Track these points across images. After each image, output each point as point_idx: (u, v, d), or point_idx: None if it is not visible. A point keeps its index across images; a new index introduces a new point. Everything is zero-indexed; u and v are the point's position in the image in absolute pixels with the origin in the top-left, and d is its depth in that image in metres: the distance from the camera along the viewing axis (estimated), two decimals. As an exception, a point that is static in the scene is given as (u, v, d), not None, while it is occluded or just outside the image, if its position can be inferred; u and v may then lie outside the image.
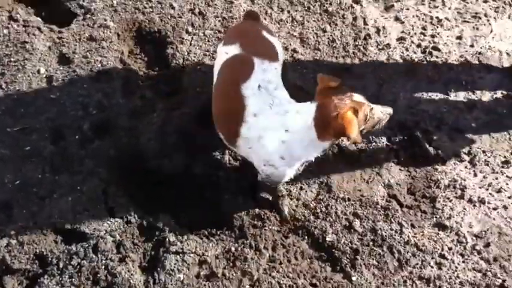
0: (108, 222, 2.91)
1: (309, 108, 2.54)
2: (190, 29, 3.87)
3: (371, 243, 2.95)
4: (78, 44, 3.68)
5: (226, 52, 2.86)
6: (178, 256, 2.81)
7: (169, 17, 3.91)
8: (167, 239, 2.84)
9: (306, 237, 2.98)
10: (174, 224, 2.94)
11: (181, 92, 3.51)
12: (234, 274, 2.79)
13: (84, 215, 2.93)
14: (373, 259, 2.90)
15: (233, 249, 2.87)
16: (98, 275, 2.74)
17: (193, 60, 3.67)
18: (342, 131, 2.43)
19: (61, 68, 3.55)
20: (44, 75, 3.52)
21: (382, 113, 2.66)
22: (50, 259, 2.79)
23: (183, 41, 3.78)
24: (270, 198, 3.07)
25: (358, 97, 2.54)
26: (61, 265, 2.76)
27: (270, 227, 2.98)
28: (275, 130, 2.59)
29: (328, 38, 3.93)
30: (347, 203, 3.10)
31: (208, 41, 3.82)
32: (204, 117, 3.34)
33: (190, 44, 3.77)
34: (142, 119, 3.35)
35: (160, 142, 3.24)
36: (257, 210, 3.04)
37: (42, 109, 3.36)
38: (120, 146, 3.22)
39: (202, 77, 3.58)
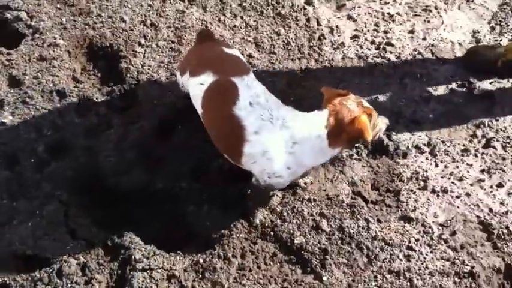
0: (71, 244, 2.85)
1: (319, 117, 2.55)
2: (142, 41, 3.82)
3: (339, 241, 2.95)
4: (28, 64, 3.60)
5: (201, 83, 2.81)
6: (145, 273, 2.76)
7: (120, 31, 3.86)
8: (133, 257, 2.79)
9: (274, 241, 2.96)
10: (139, 241, 2.88)
11: (137, 106, 3.46)
12: (204, 286, 2.76)
13: (46, 239, 2.86)
14: (342, 257, 2.90)
15: (201, 260, 2.84)
16: (65, 300, 2.68)
17: (148, 73, 3.63)
18: (358, 135, 2.47)
19: (12, 91, 3.46)
20: (-5, 99, 3.43)
21: (381, 122, 2.72)
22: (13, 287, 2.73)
23: (136, 54, 3.74)
24: (253, 201, 3.05)
25: (365, 103, 2.58)
26: (25, 293, 2.70)
27: (238, 235, 2.95)
28: (281, 143, 2.59)
29: (283, 41, 3.93)
30: (313, 203, 3.09)
31: (162, 52, 3.78)
32: (162, 129, 3.32)
33: (144, 57, 3.73)
34: (98, 136, 3.29)
35: (118, 159, 3.19)
36: (223, 218, 3.01)
37: (-6, 134, 3.28)
38: (78, 166, 3.15)
39: (158, 89, 3.54)
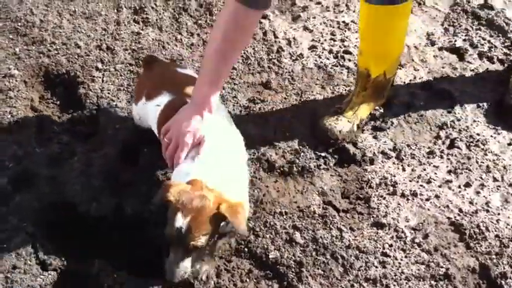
0: (42, 276, 2.74)
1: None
2: (100, 65, 3.77)
3: (314, 253, 2.93)
4: (-16, 98, 3.51)
5: (157, 105, 2.80)
6: (120, 301, 2.70)
7: (76, 57, 3.81)
8: (105, 285, 2.72)
9: (249, 258, 2.92)
10: (111, 268, 2.79)
11: (100, 132, 3.40)
12: (181, 309, 2.71)
13: (15, 273, 2.75)
14: (318, 268, 2.88)
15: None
16: (37, 335, 2.59)
17: (108, 97, 3.57)
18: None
19: (-31, 125, 3.37)
20: (-49, 136, 3.32)
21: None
22: (-14, 324, 2.63)
23: (94, 79, 3.68)
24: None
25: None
26: (-3, 330, 2.60)
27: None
28: None
29: (242, 56, 3.93)
30: (285, 216, 3.07)
31: (121, 75, 3.74)
32: (127, 154, 3.27)
33: (102, 81, 3.68)
34: (62, 165, 3.21)
35: (85, 186, 3.11)
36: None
37: (-46, 171, 3.16)
38: (43, 196, 3.06)
39: (119, 112, 3.49)
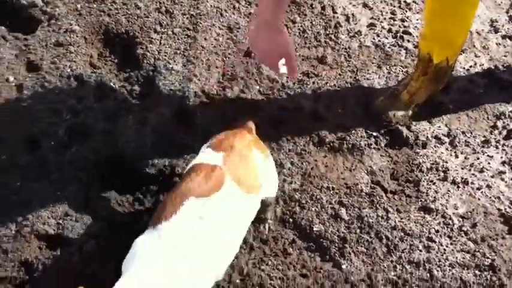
0: (92, 226, 2.84)
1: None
2: (158, 28, 3.79)
3: (358, 230, 2.94)
4: (45, 50, 3.57)
5: None
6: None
7: (135, 18, 3.83)
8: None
9: (294, 228, 2.94)
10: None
11: (155, 92, 3.44)
12: (224, 271, 2.75)
13: (67, 220, 2.85)
14: (361, 246, 2.88)
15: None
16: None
17: (165, 59, 3.60)
18: None
19: (30, 76, 3.43)
20: (13, 84, 3.39)
21: None
22: (35, 265, 2.71)
23: (152, 40, 3.71)
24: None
25: None
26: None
27: (257, 222, 2.94)
28: None
29: (299, 29, 3.90)
30: (332, 192, 3.08)
31: (178, 39, 3.75)
32: (181, 115, 3.30)
33: (160, 43, 3.70)
34: (118, 121, 3.27)
35: (139, 144, 3.17)
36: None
37: (14, 118, 3.24)
38: (99, 149, 3.14)
39: (175, 75, 3.52)
